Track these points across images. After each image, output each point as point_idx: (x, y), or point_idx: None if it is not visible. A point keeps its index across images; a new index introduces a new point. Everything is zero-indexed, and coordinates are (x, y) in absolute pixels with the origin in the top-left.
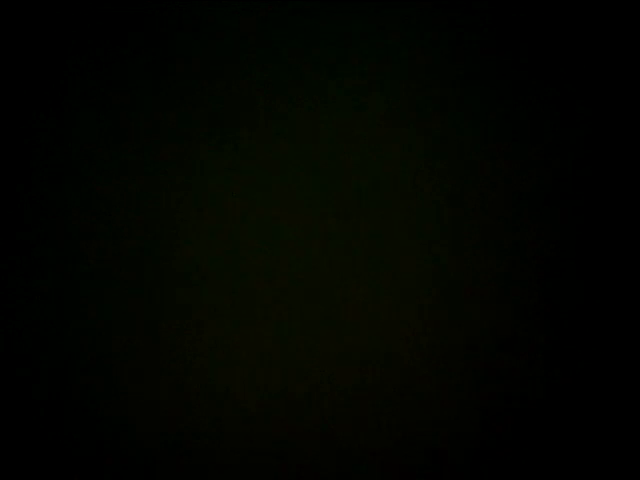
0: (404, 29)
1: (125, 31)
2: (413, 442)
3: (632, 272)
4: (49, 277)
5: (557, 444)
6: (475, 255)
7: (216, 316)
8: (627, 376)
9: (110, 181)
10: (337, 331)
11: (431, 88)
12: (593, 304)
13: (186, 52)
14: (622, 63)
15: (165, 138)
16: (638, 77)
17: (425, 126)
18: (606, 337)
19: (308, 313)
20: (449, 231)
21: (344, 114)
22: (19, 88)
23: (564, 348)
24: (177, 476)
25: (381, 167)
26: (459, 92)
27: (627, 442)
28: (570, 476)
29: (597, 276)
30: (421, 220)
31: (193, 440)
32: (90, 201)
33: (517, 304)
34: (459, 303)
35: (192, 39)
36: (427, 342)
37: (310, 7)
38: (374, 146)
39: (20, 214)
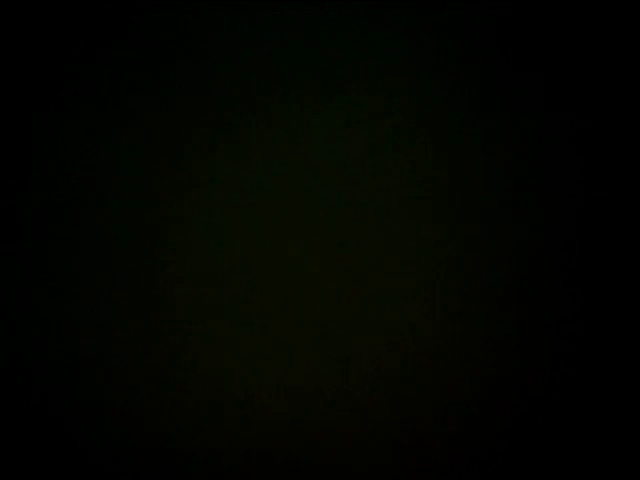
0: (404, 29)
1: (125, 31)
2: (414, 442)
3: (632, 273)
4: (48, 276)
5: (557, 444)
6: (475, 256)
7: (216, 316)
8: (627, 376)
9: (109, 181)
10: (337, 331)
11: (431, 89)
12: (593, 304)
13: (186, 52)
14: (622, 64)
15: (165, 138)
16: (638, 77)
17: (426, 127)
18: (607, 338)
19: (309, 314)
20: (449, 232)
21: (344, 114)
22: (18, 88)
23: (565, 348)
24: (177, 476)
25: (380, 168)
26: (459, 93)
27: (627, 442)
28: (570, 476)
29: (597, 276)
30: (421, 220)
31: (193, 440)
32: (89, 201)
33: (517, 304)
34: (459, 303)
35: (192, 39)
36: (427, 342)
37: (311, 7)
38: (374, 147)
39: (19, 214)
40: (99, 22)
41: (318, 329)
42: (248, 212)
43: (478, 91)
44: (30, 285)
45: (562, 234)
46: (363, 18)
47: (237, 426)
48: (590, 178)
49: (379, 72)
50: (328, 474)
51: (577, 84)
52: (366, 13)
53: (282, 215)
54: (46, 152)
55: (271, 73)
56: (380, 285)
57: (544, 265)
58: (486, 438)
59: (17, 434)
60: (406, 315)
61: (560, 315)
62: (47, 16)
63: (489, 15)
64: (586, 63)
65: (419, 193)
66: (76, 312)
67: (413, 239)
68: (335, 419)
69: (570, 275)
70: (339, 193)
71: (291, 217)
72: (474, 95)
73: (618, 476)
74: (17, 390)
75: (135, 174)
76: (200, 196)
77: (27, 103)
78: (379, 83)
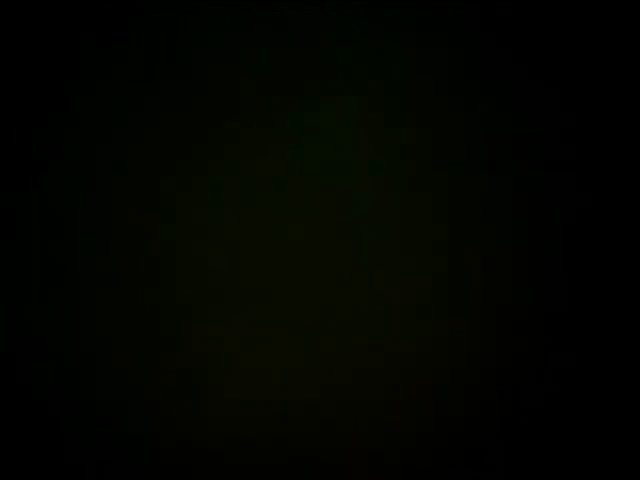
0: (404, 30)
1: (125, 31)
2: (414, 443)
3: (632, 276)
4: (47, 275)
5: (558, 445)
6: (475, 257)
7: (215, 317)
8: (628, 378)
9: (109, 181)
10: (336, 331)
11: (431, 90)
12: (594, 305)
13: (186, 52)
14: (622, 66)
15: (164, 138)
16: (638, 78)
17: (426, 128)
18: (607, 340)
19: (308, 315)
20: (449, 232)
21: (344, 115)
22: (18, 87)
23: (566, 350)
24: (177, 476)
25: (380, 169)
26: (459, 94)
27: (627, 442)
28: (570, 476)
29: (598, 277)
30: (420, 221)
31: (192, 441)
32: (89, 201)
33: (517, 305)
34: (459, 304)
35: (192, 39)
36: (426, 342)
37: (310, 7)
38: (373, 147)
39: (18, 213)
40: (99, 21)
41: (317, 329)
42: (248, 212)
43: (479, 91)
44: (29, 285)
45: (563, 234)
46: (363, 18)
47: (237, 427)
48: (591, 178)
49: (379, 72)
50: (329, 474)
51: (580, 84)
52: (366, 13)
53: (282, 215)
54: (46, 152)
55: (271, 73)
56: (381, 285)
57: (544, 265)
58: (487, 438)
59: (16, 434)
60: (407, 316)
61: (561, 315)
62: (47, 15)
63: (490, 15)
64: (590, 62)
65: (420, 193)
66: (75, 312)
67: (414, 239)
68: (335, 419)
69: (570, 275)
70: (339, 193)
71: (291, 217)
72: (475, 95)
73: (618, 476)
74: (16, 390)
75: (134, 174)
76: (199, 197)
77: (27, 103)
78: (379, 83)
